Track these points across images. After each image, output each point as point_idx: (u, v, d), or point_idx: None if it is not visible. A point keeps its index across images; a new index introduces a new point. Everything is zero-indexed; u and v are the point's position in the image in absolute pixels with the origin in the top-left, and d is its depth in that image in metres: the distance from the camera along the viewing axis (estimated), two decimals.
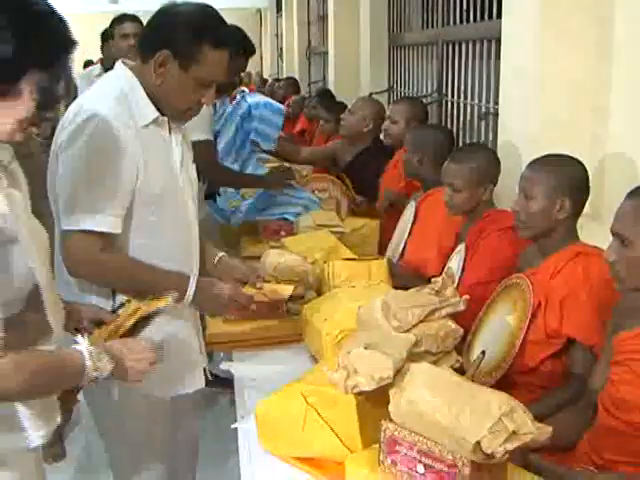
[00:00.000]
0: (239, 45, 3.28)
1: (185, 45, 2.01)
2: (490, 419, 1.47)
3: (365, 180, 4.05)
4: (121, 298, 2.08)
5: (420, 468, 1.61)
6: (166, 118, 2.11)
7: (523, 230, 2.35)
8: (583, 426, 1.97)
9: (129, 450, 2.26)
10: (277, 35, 14.01)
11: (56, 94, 1.53)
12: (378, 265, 2.75)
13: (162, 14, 2.08)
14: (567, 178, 2.26)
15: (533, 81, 2.78)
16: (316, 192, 4.08)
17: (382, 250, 3.54)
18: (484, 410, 1.49)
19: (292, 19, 10.43)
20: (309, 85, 9.09)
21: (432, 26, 4.65)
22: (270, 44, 15.21)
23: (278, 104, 4.26)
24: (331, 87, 7.11)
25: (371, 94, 5.49)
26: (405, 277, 2.91)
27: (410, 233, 3.29)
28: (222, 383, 3.34)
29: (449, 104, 4.35)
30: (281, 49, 12.92)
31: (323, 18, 8.33)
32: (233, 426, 2.06)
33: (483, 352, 2.42)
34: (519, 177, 2.39)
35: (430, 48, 4.70)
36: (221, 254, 2.39)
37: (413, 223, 3.28)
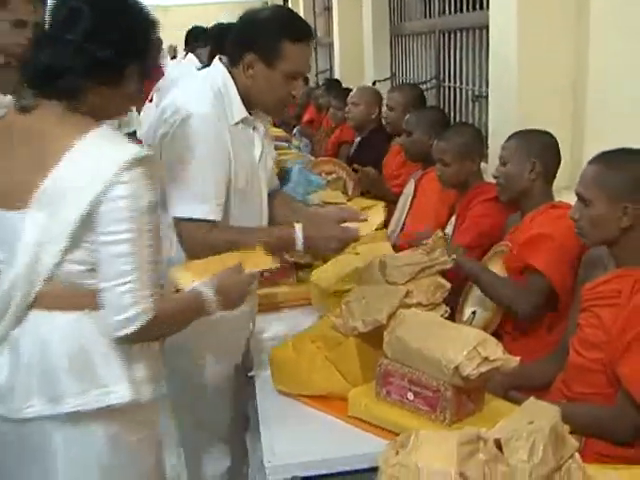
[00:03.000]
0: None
1: (267, 45, 2.17)
2: (466, 347, 1.76)
3: (371, 160, 4.31)
4: None
5: (410, 395, 1.90)
6: (252, 117, 2.28)
7: (502, 193, 2.66)
8: (558, 370, 2.23)
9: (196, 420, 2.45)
10: None
11: (151, 69, 1.82)
12: (380, 235, 3.04)
13: (243, 21, 2.28)
14: (536, 143, 2.58)
15: (515, 66, 3.05)
16: (323, 174, 4.35)
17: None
18: (462, 341, 1.79)
19: (299, 11, 10.66)
20: (316, 75, 9.34)
21: (430, 16, 4.90)
22: None
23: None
24: (337, 76, 7.37)
25: (375, 82, 5.75)
26: None
27: (410, 208, 3.56)
28: None
29: (446, 89, 4.62)
30: None
31: (328, 9, 8.57)
32: (250, 374, 2.35)
33: (474, 312, 2.71)
34: None
35: (429, 37, 4.96)
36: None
37: (413, 198, 3.55)
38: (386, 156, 4.26)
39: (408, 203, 3.57)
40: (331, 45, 8.16)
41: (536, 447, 1.23)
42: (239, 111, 2.23)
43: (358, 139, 4.79)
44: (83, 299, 1.71)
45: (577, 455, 1.29)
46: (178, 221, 2.18)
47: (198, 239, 2.18)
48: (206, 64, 3.81)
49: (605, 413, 1.96)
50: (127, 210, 1.64)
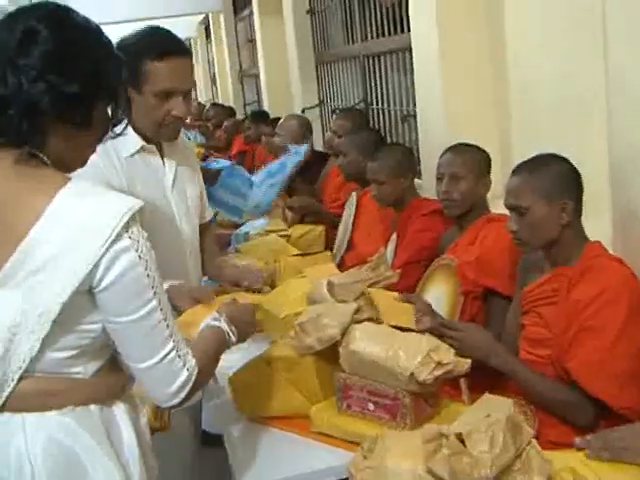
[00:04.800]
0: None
1: (130, 70, 1.82)
2: (420, 354, 1.84)
3: (306, 185, 4.44)
4: None
5: (370, 406, 1.97)
6: (152, 146, 2.27)
7: (454, 209, 2.71)
8: None
9: None
10: (209, 61, 14.37)
11: (120, 114, 1.56)
12: (324, 257, 3.12)
13: None
14: (483, 159, 2.71)
15: (440, 84, 3.20)
16: None
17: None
18: (414, 348, 1.87)
19: (222, 45, 10.76)
20: (244, 107, 9.45)
21: (353, 42, 5.04)
22: (202, 71, 15.57)
23: (247, 175, 4.39)
24: (265, 107, 7.48)
25: (304, 110, 5.88)
26: None
27: (354, 227, 3.64)
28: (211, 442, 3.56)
29: (374, 111, 4.75)
30: (214, 75, 13.27)
31: (252, 41, 8.70)
32: (211, 403, 2.38)
33: None
34: None
35: (353, 62, 5.10)
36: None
37: (356, 214, 3.64)
38: (325, 179, 4.36)
39: (351, 220, 3.65)
40: (257, 76, 8.27)
41: (496, 437, 1.31)
42: (133, 143, 2.22)
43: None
44: (65, 394, 1.44)
45: (534, 441, 1.38)
46: None
47: None
48: None
49: (570, 398, 2.04)
50: (144, 276, 1.40)
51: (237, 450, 2.08)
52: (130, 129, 2.14)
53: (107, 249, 1.34)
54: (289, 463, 1.98)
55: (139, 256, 1.38)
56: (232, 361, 2.61)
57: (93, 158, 1.71)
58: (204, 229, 2.59)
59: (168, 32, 2.23)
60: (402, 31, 3.95)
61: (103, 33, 1.50)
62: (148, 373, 1.46)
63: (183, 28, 14.70)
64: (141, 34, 2.20)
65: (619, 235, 2.32)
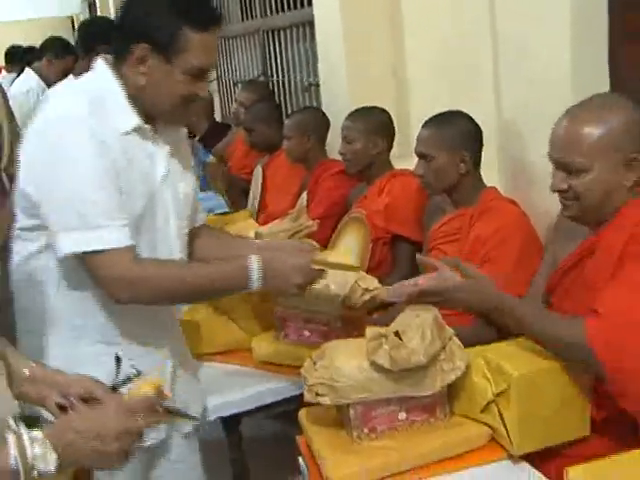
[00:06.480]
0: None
1: (163, 34, 1.70)
2: (349, 283, 2.13)
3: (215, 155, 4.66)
4: (127, 368, 1.56)
5: (306, 333, 2.26)
6: (148, 127, 1.80)
7: (350, 167, 3.04)
8: None
9: None
10: None
11: None
12: (244, 215, 3.38)
13: (129, 2, 1.78)
14: (376, 122, 3.00)
15: (342, 56, 3.49)
16: None
17: None
18: (343, 280, 2.16)
19: None
20: None
21: (252, 17, 5.28)
22: None
23: None
24: None
25: None
26: None
27: (264, 191, 3.90)
28: None
29: (275, 83, 5.01)
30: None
31: None
32: None
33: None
34: None
35: (252, 37, 5.34)
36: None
37: (264, 180, 3.91)
38: (230, 148, 4.59)
39: (259, 187, 3.90)
40: None
41: (425, 332, 1.62)
42: (128, 118, 1.77)
43: (197, 138, 5.08)
44: None
45: (455, 337, 1.70)
46: (83, 255, 1.69)
47: (123, 273, 1.69)
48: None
49: (470, 332, 2.36)
50: None
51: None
52: (124, 102, 1.78)
53: None
54: (236, 388, 2.24)
55: None
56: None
57: (89, 121, 1.67)
58: (196, 235, 2.07)
59: None
60: (302, 6, 4.22)
61: None
62: None
63: (63, 4, 14.45)
64: None
65: (505, 185, 2.64)
